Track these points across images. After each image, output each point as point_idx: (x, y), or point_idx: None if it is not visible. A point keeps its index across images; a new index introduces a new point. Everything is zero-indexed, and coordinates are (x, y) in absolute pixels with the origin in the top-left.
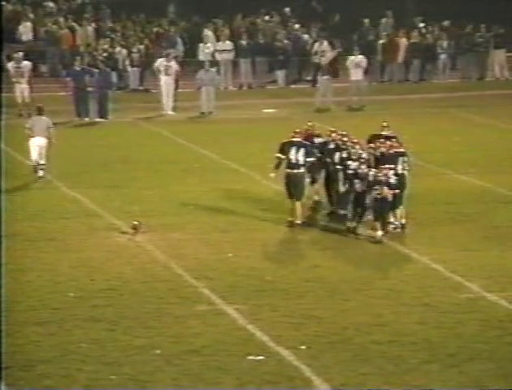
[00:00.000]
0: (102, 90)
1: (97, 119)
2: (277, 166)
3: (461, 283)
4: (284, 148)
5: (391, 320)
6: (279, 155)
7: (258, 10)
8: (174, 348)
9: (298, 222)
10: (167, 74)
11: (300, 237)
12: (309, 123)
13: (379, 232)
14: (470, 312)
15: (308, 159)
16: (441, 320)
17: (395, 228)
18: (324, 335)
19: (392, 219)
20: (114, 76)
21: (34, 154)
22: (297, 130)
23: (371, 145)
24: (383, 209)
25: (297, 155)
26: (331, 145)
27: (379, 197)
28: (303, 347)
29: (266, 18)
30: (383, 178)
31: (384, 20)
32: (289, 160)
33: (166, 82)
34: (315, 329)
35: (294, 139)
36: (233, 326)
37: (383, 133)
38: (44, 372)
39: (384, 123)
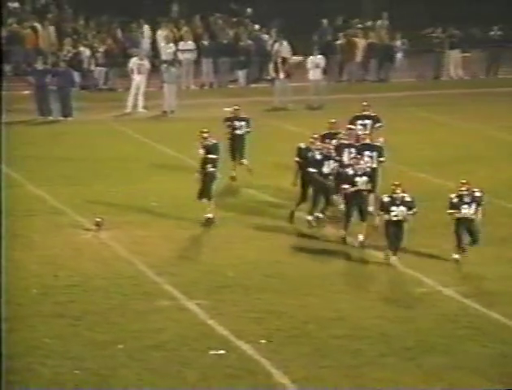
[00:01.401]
0: (64, 89)
1: (61, 118)
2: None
3: (417, 278)
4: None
5: (350, 315)
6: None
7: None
8: (137, 344)
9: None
10: (140, 72)
11: (262, 234)
12: (235, 107)
13: (393, 257)
14: (426, 306)
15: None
16: (399, 314)
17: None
18: (285, 330)
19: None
20: (76, 76)
21: None
22: (205, 130)
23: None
24: (398, 233)
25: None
26: (318, 156)
27: (394, 219)
28: (263, 341)
29: (212, 18)
30: (399, 197)
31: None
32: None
33: (139, 81)
34: (276, 323)
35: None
36: (195, 321)
37: (364, 113)
38: (8, 367)
39: (365, 103)
